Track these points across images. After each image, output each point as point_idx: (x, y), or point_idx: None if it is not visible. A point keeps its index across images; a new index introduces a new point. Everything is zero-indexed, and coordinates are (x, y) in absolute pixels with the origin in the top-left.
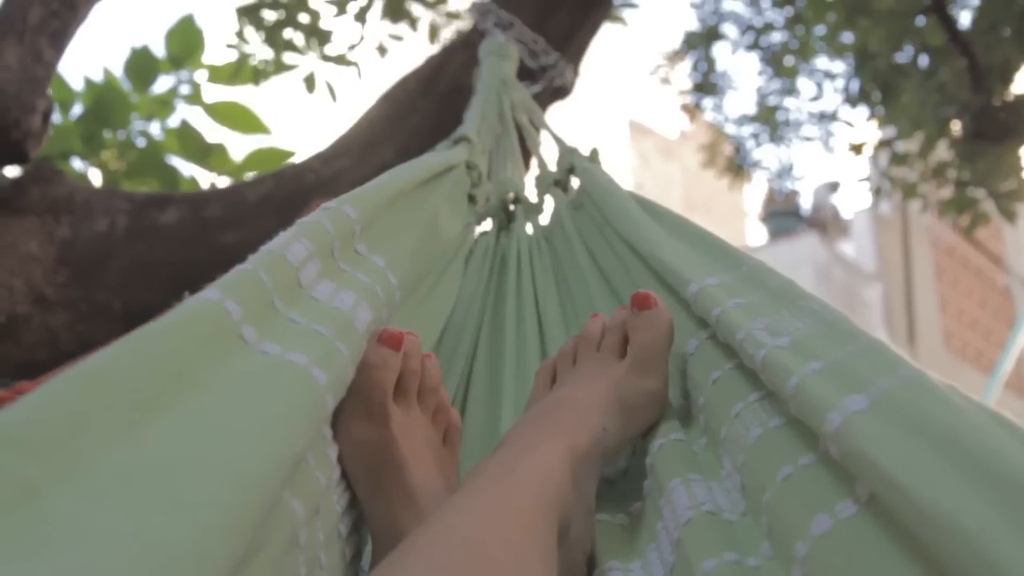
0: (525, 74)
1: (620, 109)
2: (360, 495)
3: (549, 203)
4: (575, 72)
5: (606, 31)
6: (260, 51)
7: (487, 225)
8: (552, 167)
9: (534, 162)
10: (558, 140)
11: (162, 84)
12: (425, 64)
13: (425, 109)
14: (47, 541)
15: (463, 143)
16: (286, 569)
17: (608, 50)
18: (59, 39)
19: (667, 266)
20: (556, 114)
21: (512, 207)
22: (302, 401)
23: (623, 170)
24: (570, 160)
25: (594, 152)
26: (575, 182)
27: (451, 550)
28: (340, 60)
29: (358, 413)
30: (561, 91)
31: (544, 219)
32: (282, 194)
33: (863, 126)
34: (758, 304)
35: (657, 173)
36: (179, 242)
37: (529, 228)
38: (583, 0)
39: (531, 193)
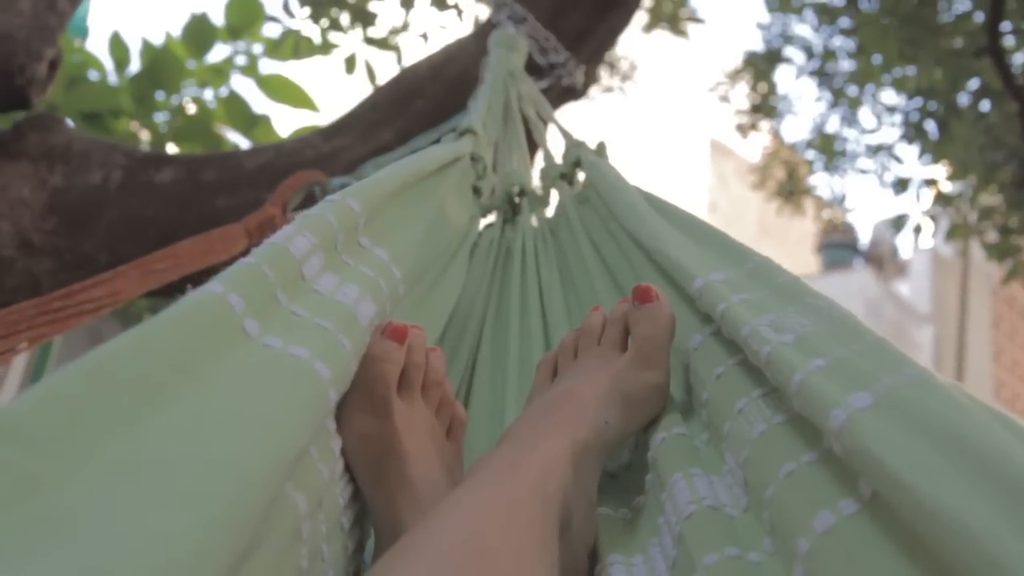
0: (534, 71)
1: (703, 128)
2: (363, 488)
3: (555, 196)
4: (590, 73)
5: (690, 48)
6: (304, 27)
7: (492, 217)
8: (558, 160)
9: (540, 155)
10: (565, 133)
11: (219, 53)
12: (438, 51)
13: (431, 95)
14: (50, 536)
15: (468, 135)
16: (288, 562)
17: (694, 68)
18: None
19: (672, 261)
20: (639, 130)
21: (517, 200)
22: (305, 395)
23: (700, 189)
24: (576, 153)
25: (601, 146)
26: (581, 176)
27: (453, 544)
28: (382, 44)
29: (361, 406)
30: (571, 91)
31: (550, 212)
32: (280, 165)
33: (915, 163)
34: (763, 300)
35: (733, 195)
36: (171, 202)
37: (534, 221)
38: (599, 2)
39: (537, 186)
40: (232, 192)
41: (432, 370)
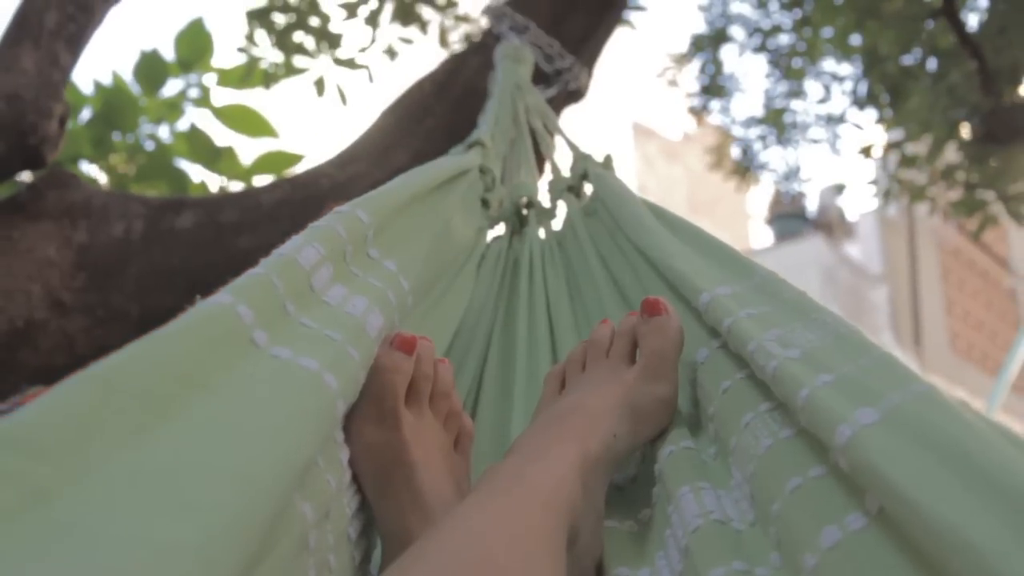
0: (539, 78)
1: (624, 111)
2: (370, 498)
3: (562, 208)
4: (589, 75)
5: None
6: (270, 54)
7: (500, 229)
8: (566, 173)
9: (548, 167)
10: (572, 146)
11: (171, 87)
12: (440, 68)
13: (440, 113)
14: (58, 544)
15: (477, 147)
16: (295, 572)
17: (612, 52)
18: (75, 43)
19: (679, 275)
20: (562, 118)
21: (525, 212)
22: (313, 406)
23: (627, 172)
24: (584, 166)
25: (608, 159)
26: (588, 188)
27: (460, 555)
28: (350, 64)
29: (370, 417)
30: (575, 94)
31: (557, 224)
32: (297, 199)
33: (871, 129)
34: (770, 315)
35: (661, 175)
36: (195, 247)
37: (542, 233)
38: (598, 3)
39: (544, 198)
40: (253, 230)
41: (440, 381)
